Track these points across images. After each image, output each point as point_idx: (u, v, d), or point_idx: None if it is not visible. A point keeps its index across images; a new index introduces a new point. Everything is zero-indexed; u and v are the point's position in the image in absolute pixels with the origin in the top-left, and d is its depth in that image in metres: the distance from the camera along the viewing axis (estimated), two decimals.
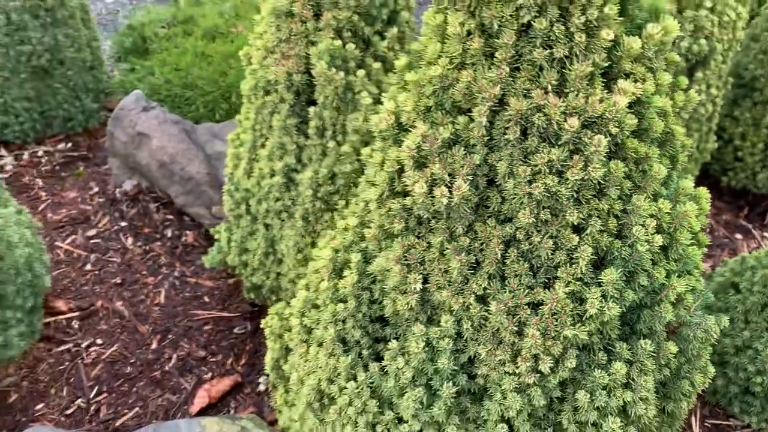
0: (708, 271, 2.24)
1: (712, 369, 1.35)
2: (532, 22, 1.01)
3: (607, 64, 1.04)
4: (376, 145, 1.29)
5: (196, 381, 2.19)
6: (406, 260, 1.27)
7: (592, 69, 1.02)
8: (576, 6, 1.00)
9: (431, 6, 1.18)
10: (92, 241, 2.66)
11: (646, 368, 1.24)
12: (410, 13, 1.90)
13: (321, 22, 1.79)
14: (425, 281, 1.26)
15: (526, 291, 1.17)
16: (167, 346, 2.29)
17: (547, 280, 1.18)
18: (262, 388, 2.17)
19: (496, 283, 1.19)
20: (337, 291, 1.45)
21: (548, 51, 1.03)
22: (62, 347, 2.28)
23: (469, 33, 1.06)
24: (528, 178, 1.08)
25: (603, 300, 1.15)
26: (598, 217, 1.12)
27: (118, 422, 2.08)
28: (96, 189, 2.92)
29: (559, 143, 1.05)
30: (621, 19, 1.03)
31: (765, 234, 2.95)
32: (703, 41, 2.14)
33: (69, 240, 2.66)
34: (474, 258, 1.19)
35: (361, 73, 1.78)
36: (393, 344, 1.34)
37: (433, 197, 1.12)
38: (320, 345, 1.53)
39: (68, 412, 2.11)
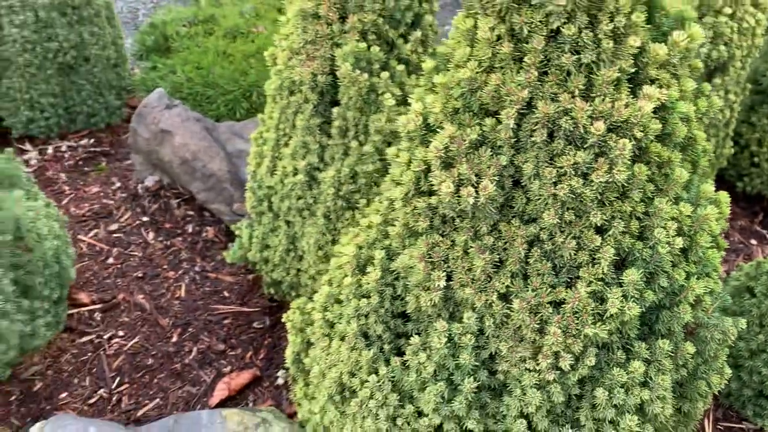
0: (723, 276, 2.26)
1: (728, 370, 1.38)
2: (561, 28, 1.04)
3: (633, 70, 1.07)
4: (403, 145, 1.33)
5: (216, 374, 2.23)
6: (430, 258, 1.30)
7: (619, 74, 1.06)
8: (604, 13, 1.03)
9: (460, 10, 1.21)
10: (114, 235, 2.71)
11: (663, 368, 1.27)
12: (433, 17, 1.93)
13: (346, 25, 1.82)
14: (448, 278, 1.29)
15: (549, 290, 1.20)
16: (187, 339, 2.33)
17: (569, 280, 1.21)
18: (280, 382, 2.21)
19: (519, 282, 1.22)
20: (361, 287, 1.49)
21: (576, 56, 1.06)
22: (85, 338, 2.33)
23: (498, 37, 1.09)
24: (553, 180, 1.11)
25: (624, 300, 1.18)
26: (620, 218, 1.15)
27: (139, 412, 2.13)
28: (118, 184, 2.97)
29: (585, 146, 1.08)
30: (648, 26, 1.06)
31: None
32: (722, 47, 2.16)
33: (92, 234, 2.72)
34: (497, 257, 1.22)
35: (384, 74, 1.81)
36: (415, 339, 1.38)
37: (459, 197, 1.15)
38: (342, 339, 1.56)
39: (91, 401, 2.15)
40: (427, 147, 1.24)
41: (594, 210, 1.13)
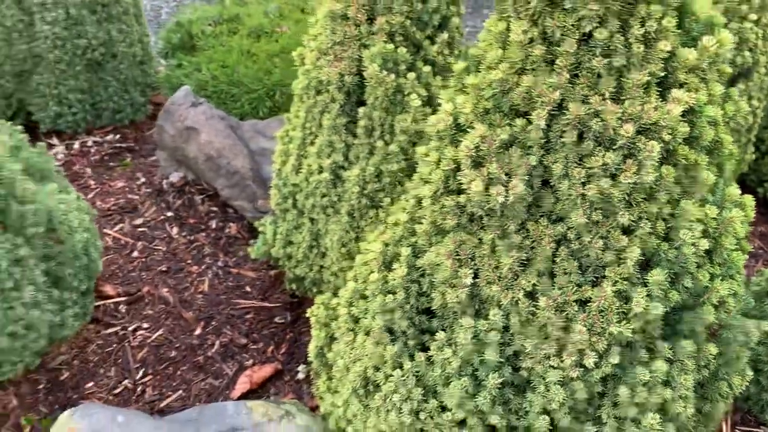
0: (744, 280, 2.26)
1: (750, 372, 1.39)
2: (593, 32, 1.07)
3: (662, 74, 1.10)
4: (432, 145, 1.36)
5: (238, 367, 2.27)
6: (457, 255, 1.33)
7: (649, 78, 1.08)
8: (636, 18, 1.05)
9: (492, 13, 1.24)
10: (139, 230, 2.77)
11: (686, 368, 1.29)
12: (460, 20, 1.96)
13: (374, 26, 1.86)
14: (475, 276, 1.32)
15: (575, 288, 1.23)
16: (210, 333, 2.38)
17: (595, 279, 1.23)
18: (301, 376, 2.24)
19: (546, 280, 1.25)
20: (387, 283, 1.52)
21: (607, 60, 1.08)
22: (110, 330, 2.38)
23: (531, 40, 1.12)
24: (582, 180, 1.13)
25: (648, 299, 1.20)
26: (647, 219, 1.17)
27: (163, 403, 2.17)
28: (143, 180, 3.02)
29: (614, 147, 1.10)
30: (678, 31, 1.08)
31: None
32: (747, 53, 2.17)
33: (117, 228, 2.77)
34: (524, 255, 1.25)
35: (411, 75, 1.84)
36: (440, 335, 1.40)
37: (489, 195, 1.18)
38: (367, 334, 1.59)
39: (116, 391, 2.20)
40: (457, 146, 1.27)
41: (621, 210, 1.15)
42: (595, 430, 1.34)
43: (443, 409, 1.45)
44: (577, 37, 1.08)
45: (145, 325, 2.40)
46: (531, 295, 1.27)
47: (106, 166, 3.12)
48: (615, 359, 1.25)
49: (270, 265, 2.62)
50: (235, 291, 2.53)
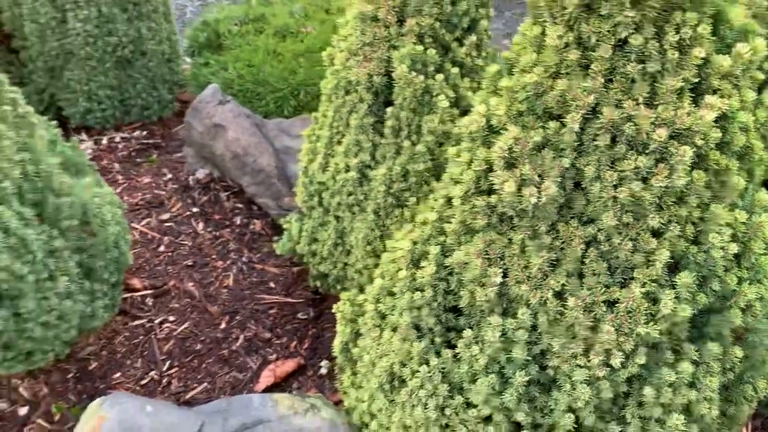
0: None
1: None
2: (628, 38, 1.09)
3: (696, 80, 1.12)
4: (463, 145, 1.38)
5: (262, 361, 2.31)
6: (487, 254, 1.35)
7: (683, 84, 1.10)
8: (671, 25, 1.07)
9: (527, 18, 1.27)
10: (165, 225, 2.82)
11: (712, 370, 1.31)
12: (488, 22, 1.99)
13: (404, 28, 1.88)
14: (504, 275, 1.35)
15: (603, 289, 1.25)
16: (235, 327, 2.42)
17: (623, 280, 1.25)
18: (323, 371, 2.28)
19: (574, 281, 1.27)
20: (415, 280, 1.55)
21: (641, 65, 1.10)
22: (137, 322, 2.43)
23: (566, 45, 1.14)
24: (614, 183, 1.15)
25: (676, 301, 1.22)
26: (677, 222, 1.19)
27: (188, 395, 2.21)
28: (169, 176, 3.08)
29: (647, 151, 1.13)
30: (712, 38, 1.10)
31: None
32: None
33: (144, 222, 2.82)
34: (554, 255, 1.27)
35: (439, 77, 1.87)
36: (468, 333, 1.43)
37: (521, 196, 1.21)
38: (394, 330, 1.63)
39: (143, 382, 2.25)
40: (489, 148, 1.29)
41: (652, 213, 1.17)
42: (620, 429, 1.36)
43: (468, 405, 1.48)
44: (612, 43, 1.10)
45: (171, 318, 2.45)
46: (559, 295, 1.29)
47: (134, 162, 3.18)
48: (641, 360, 1.27)
49: (293, 262, 2.66)
50: (259, 286, 2.57)
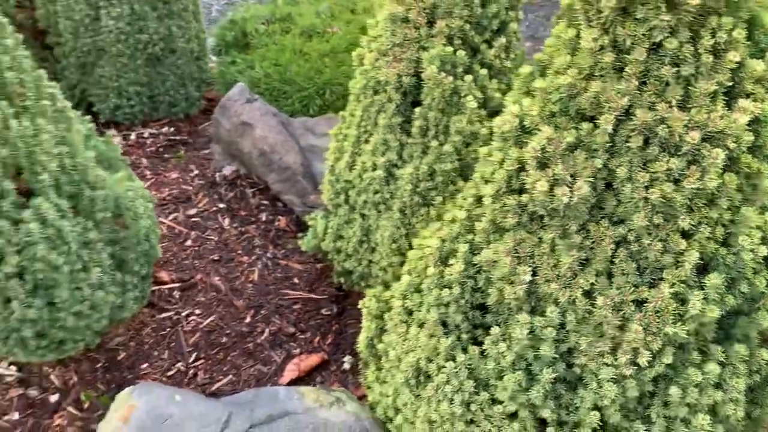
0: None
1: None
2: (663, 42, 1.11)
3: (730, 84, 1.13)
4: (495, 145, 1.41)
5: (286, 355, 2.35)
6: (516, 253, 1.38)
7: (716, 87, 1.12)
8: (706, 29, 1.09)
9: (562, 21, 1.29)
10: (192, 220, 2.87)
11: (738, 371, 1.32)
12: (518, 25, 2.01)
13: (434, 29, 1.91)
14: (533, 274, 1.37)
15: (632, 289, 1.27)
16: (260, 321, 2.46)
17: (652, 280, 1.27)
18: (346, 366, 2.31)
19: (603, 280, 1.29)
20: (443, 277, 1.57)
21: (675, 69, 1.12)
22: (164, 314, 2.48)
23: (601, 48, 1.16)
24: (645, 184, 1.17)
25: (704, 302, 1.23)
26: (707, 224, 1.21)
27: (214, 387, 2.26)
28: (196, 172, 3.13)
29: (679, 153, 1.14)
30: (747, 43, 1.12)
31: None
32: None
33: (171, 217, 2.87)
34: (584, 255, 1.29)
35: (468, 78, 1.89)
36: (495, 330, 1.45)
37: (553, 195, 1.23)
38: (421, 326, 1.65)
39: (169, 373, 2.29)
40: (521, 148, 1.32)
41: (682, 215, 1.19)
42: (645, 428, 1.37)
43: (494, 401, 1.51)
44: (647, 46, 1.12)
45: (198, 311, 2.49)
46: (588, 294, 1.31)
47: (161, 158, 3.24)
48: (668, 359, 1.29)
49: (317, 259, 2.70)
50: (283, 282, 2.61)
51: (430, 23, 1.93)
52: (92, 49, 3.07)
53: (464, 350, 1.54)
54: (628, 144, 1.17)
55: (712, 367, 1.30)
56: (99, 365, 2.29)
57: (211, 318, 2.47)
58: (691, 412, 1.34)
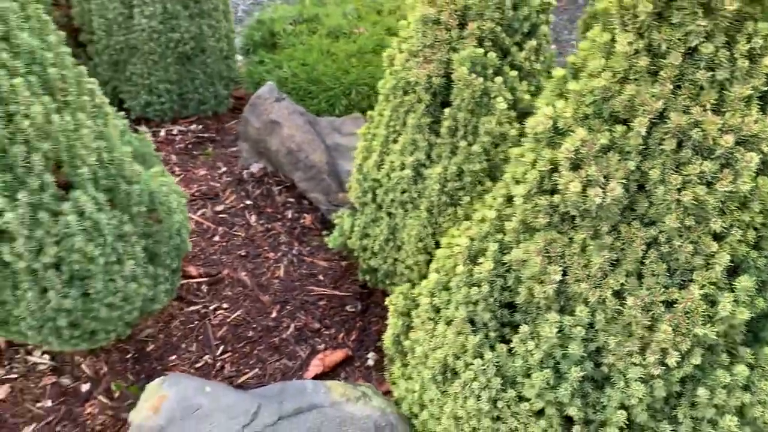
0: None
1: None
2: (698, 47, 1.13)
3: (765, 88, 1.15)
4: (527, 146, 1.43)
5: (310, 350, 2.39)
6: (547, 252, 1.40)
7: (751, 92, 1.13)
8: (742, 34, 1.11)
9: (595, 24, 1.31)
10: (220, 216, 2.92)
11: (767, 374, 1.33)
12: (548, 27, 2.03)
13: (465, 31, 1.93)
14: (563, 273, 1.39)
15: (662, 290, 1.28)
16: (285, 316, 2.50)
17: (682, 282, 1.28)
18: (370, 363, 2.34)
19: (634, 281, 1.31)
20: (472, 276, 1.60)
21: (710, 73, 1.14)
22: (192, 308, 2.53)
23: (636, 51, 1.18)
24: (678, 186, 1.19)
25: (735, 304, 1.25)
26: (738, 227, 1.22)
27: (240, 380, 2.30)
28: (224, 169, 3.18)
29: (712, 157, 1.16)
30: None
31: None
32: None
33: (200, 213, 2.93)
34: (615, 255, 1.31)
35: (498, 80, 1.92)
36: (524, 328, 1.48)
37: (586, 196, 1.25)
38: (449, 323, 1.68)
39: (197, 365, 2.34)
40: (554, 149, 1.34)
41: (714, 217, 1.20)
42: (671, 428, 1.39)
43: (521, 398, 1.53)
44: (682, 51, 1.14)
45: (225, 306, 2.54)
46: (618, 294, 1.33)
47: (190, 155, 3.29)
48: (697, 360, 1.30)
49: (342, 256, 2.73)
50: (308, 278, 2.65)
51: (462, 25, 1.96)
52: (124, 46, 3.13)
53: (492, 348, 1.57)
54: (661, 146, 1.19)
55: (741, 369, 1.31)
56: (129, 356, 2.35)
57: (238, 312, 2.51)
58: (718, 413, 1.35)
